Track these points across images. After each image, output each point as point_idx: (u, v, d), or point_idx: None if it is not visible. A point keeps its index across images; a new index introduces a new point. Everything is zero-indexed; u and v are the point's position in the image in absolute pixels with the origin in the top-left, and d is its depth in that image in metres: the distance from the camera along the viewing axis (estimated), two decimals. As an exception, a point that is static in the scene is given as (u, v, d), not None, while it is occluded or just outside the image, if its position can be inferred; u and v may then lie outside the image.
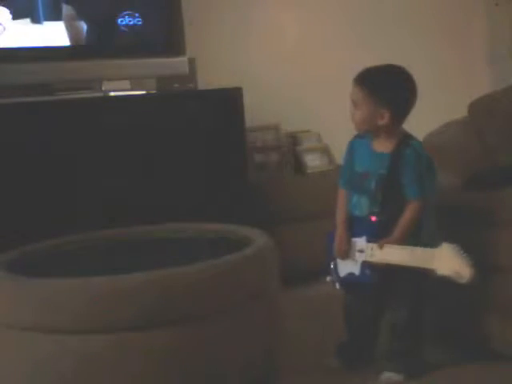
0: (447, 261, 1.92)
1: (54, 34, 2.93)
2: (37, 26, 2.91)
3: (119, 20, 3.04)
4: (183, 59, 3.11)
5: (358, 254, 2.10)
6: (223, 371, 2.06)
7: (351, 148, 2.21)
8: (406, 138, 2.10)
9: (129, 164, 2.94)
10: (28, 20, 2.89)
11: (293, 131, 3.63)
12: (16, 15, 2.85)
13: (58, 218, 2.76)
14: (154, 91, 3.20)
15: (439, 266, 1.94)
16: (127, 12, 3.05)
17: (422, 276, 2.04)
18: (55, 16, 2.94)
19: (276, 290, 2.21)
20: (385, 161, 2.08)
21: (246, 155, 3.24)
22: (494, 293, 2.29)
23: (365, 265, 2.08)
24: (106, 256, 2.37)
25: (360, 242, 2.10)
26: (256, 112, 3.28)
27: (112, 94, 3.07)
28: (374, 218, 2.09)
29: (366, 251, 2.07)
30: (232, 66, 3.56)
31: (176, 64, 3.10)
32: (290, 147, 3.56)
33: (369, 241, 2.08)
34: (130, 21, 3.05)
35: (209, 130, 3.09)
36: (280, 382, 2.26)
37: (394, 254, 2.01)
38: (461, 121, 2.68)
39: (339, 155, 2.72)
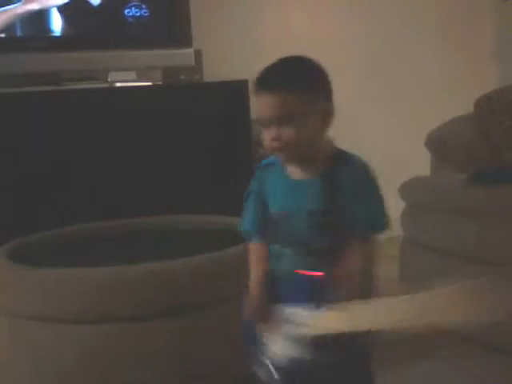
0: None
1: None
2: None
3: (126, 11, 3.04)
4: (189, 51, 3.11)
5: (292, 328, 1.42)
6: (224, 362, 2.07)
7: (260, 179, 1.55)
8: (341, 155, 1.48)
9: (133, 155, 2.94)
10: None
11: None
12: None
13: (62, 209, 2.77)
14: (160, 82, 3.20)
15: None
16: (134, 3, 3.05)
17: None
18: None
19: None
20: (314, 191, 1.46)
21: (252, 148, 3.24)
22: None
23: (308, 342, 1.40)
24: (107, 247, 2.37)
25: (292, 310, 1.43)
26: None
27: (118, 84, 3.07)
28: (309, 273, 1.45)
29: (306, 321, 1.40)
30: (238, 58, 3.55)
31: (182, 55, 3.10)
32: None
33: (307, 306, 1.40)
34: (136, 12, 3.05)
35: (214, 122, 3.09)
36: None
37: (334, 319, 1.37)
38: (466, 117, 2.67)
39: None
